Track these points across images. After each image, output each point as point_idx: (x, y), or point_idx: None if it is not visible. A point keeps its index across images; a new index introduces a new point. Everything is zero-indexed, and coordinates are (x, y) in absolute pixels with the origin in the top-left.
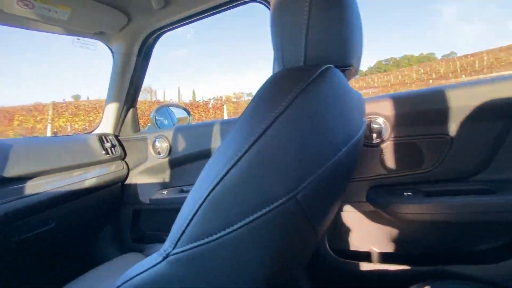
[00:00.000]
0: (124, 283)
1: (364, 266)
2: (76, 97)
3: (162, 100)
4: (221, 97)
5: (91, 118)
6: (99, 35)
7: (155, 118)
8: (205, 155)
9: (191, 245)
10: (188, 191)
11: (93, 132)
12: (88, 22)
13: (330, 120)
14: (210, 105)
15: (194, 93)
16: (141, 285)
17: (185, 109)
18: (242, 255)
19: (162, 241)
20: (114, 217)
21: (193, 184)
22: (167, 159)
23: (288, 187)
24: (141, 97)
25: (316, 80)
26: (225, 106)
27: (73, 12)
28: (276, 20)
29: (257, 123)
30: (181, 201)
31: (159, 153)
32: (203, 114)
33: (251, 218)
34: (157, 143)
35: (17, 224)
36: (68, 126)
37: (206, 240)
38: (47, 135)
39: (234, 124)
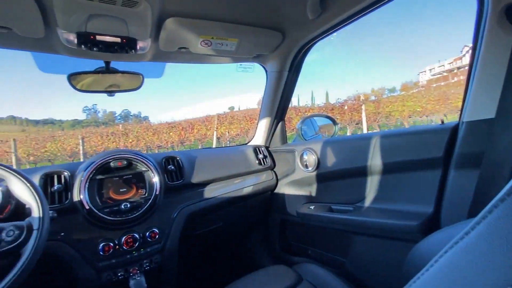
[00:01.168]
0: None
1: None
2: (231, 109)
3: (297, 105)
4: (359, 96)
5: (242, 125)
6: (256, 58)
7: (301, 129)
8: (359, 172)
9: None
10: (337, 211)
11: (248, 144)
12: (250, 48)
13: None
14: (345, 107)
15: (327, 94)
16: None
17: (329, 118)
18: None
19: (308, 255)
20: (263, 223)
21: (343, 203)
22: (314, 173)
23: None
24: None
25: None
26: (363, 107)
27: (239, 41)
28: None
29: None
30: (330, 221)
31: (306, 166)
32: (338, 117)
33: None
34: (305, 156)
35: (199, 220)
36: (227, 133)
37: None
38: (213, 140)
39: (394, 137)
